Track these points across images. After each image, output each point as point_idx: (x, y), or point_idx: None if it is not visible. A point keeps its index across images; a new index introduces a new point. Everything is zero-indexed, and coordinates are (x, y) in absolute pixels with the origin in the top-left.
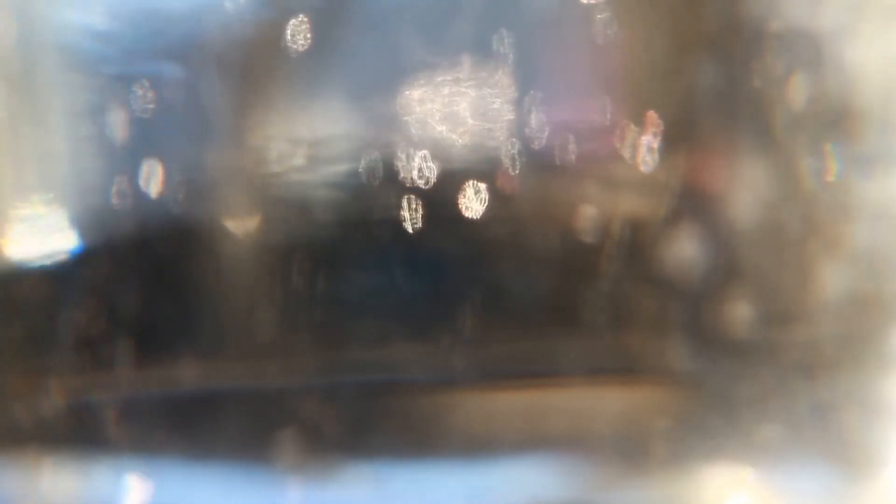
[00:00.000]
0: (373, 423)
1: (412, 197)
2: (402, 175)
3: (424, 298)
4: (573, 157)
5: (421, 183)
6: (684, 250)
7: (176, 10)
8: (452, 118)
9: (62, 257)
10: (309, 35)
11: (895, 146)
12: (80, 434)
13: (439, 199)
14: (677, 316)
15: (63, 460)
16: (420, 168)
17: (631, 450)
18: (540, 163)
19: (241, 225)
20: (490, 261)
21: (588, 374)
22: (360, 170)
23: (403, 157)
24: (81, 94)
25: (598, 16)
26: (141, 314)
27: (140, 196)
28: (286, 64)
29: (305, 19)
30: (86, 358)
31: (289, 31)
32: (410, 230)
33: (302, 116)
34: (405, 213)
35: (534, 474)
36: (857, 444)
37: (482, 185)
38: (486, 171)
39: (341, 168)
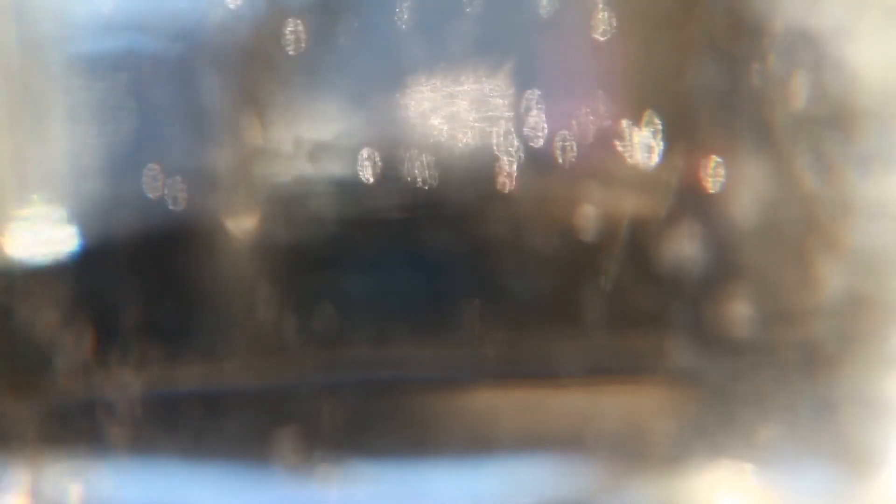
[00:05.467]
0: (372, 423)
1: (412, 195)
2: (401, 174)
3: (424, 297)
4: (573, 156)
5: (421, 182)
6: (684, 249)
7: (176, 9)
8: (453, 117)
9: (62, 257)
10: (309, 33)
11: (894, 146)
12: (80, 434)
13: (439, 198)
14: (677, 315)
15: (63, 460)
16: (420, 167)
17: (631, 450)
18: (540, 162)
19: (241, 224)
20: (490, 260)
21: (588, 374)
22: (360, 169)
23: (403, 155)
24: (81, 94)
25: (599, 15)
26: (141, 314)
27: (140, 195)
28: (286, 63)
29: (305, 18)
30: (85, 357)
31: (289, 30)
32: (410, 229)
33: (302, 115)
34: (405, 212)
35: (534, 474)
36: (857, 443)
37: (482, 184)
38: (486, 169)
39: (341, 167)
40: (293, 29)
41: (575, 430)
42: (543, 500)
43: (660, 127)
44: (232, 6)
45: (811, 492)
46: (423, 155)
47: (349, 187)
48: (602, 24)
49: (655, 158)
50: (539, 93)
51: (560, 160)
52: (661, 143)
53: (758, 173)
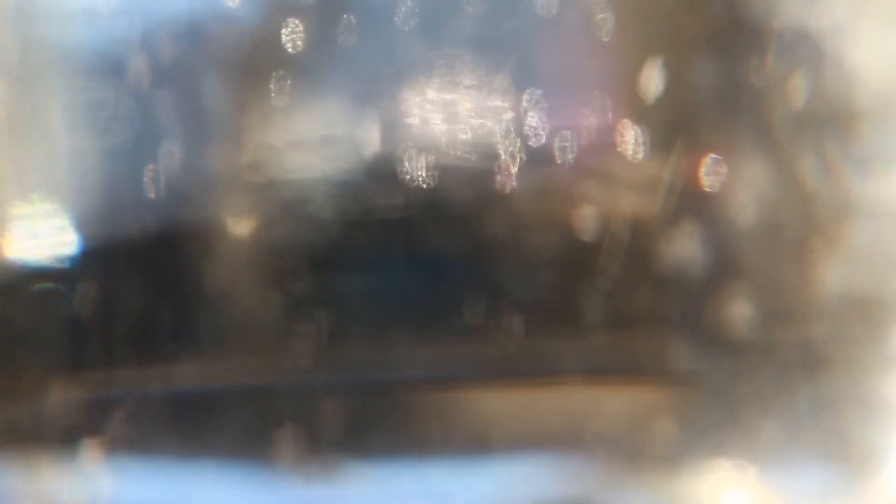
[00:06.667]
0: (373, 423)
1: (412, 195)
2: (402, 174)
3: (424, 297)
4: (573, 155)
5: (421, 182)
6: (684, 249)
7: (176, 9)
8: (453, 116)
9: (62, 257)
10: (309, 34)
11: (894, 146)
12: (81, 434)
13: (439, 197)
14: (677, 315)
15: (63, 460)
16: (420, 166)
17: (631, 449)
18: (540, 161)
19: (241, 224)
20: (490, 260)
21: (588, 374)
22: (360, 168)
23: (403, 155)
24: (82, 94)
25: (598, 14)
26: (141, 313)
27: (140, 195)
28: (286, 63)
29: (306, 18)
30: (86, 357)
31: (289, 31)
32: (410, 229)
33: (302, 116)
34: (405, 212)
35: (534, 474)
36: (856, 442)
37: (482, 184)
38: (486, 169)
39: (341, 167)
40: (293, 28)
41: (575, 429)
42: (543, 500)
43: (659, 126)
44: (232, 6)
45: (811, 492)
46: (423, 154)
47: (349, 187)
48: (602, 24)
49: (655, 158)
50: (539, 93)
51: (560, 160)
52: (661, 143)
53: (758, 173)
